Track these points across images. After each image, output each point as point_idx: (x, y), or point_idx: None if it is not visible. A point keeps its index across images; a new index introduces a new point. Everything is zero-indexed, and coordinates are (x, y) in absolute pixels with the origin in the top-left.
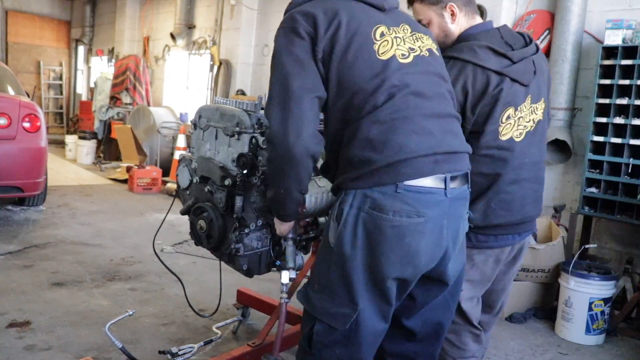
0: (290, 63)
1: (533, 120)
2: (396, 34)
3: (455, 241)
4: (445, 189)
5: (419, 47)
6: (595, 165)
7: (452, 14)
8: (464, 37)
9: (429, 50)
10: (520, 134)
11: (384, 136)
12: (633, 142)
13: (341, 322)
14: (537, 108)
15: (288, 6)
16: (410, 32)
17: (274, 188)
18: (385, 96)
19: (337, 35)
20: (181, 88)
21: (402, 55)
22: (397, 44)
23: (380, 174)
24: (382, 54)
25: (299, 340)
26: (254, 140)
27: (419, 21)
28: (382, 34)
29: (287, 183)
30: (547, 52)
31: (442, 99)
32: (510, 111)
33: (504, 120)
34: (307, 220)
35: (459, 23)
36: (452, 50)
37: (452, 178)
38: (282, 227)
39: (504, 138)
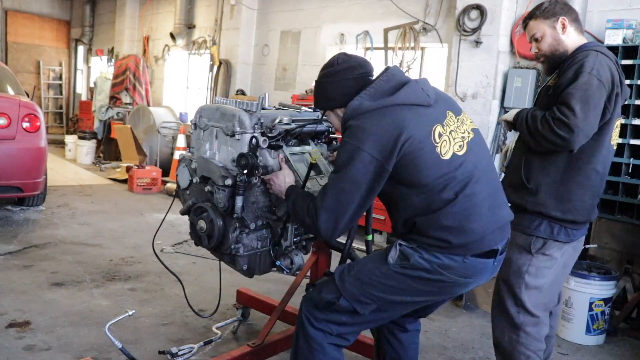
0: (349, 182)
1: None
2: (449, 127)
3: None
4: (495, 259)
5: (466, 130)
6: None
7: (563, 27)
8: None
9: (473, 130)
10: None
11: (458, 223)
12: (633, 142)
13: (363, 309)
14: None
15: (346, 115)
16: (456, 118)
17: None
18: (454, 191)
19: (403, 152)
20: (181, 88)
21: (459, 147)
22: (453, 138)
23: (454, 249)
24: (444, 154)
25: (308, 296)
26: (254, 140)
27: (534, 36)
28: (440, 135)
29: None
30: None
31: (493, 174)
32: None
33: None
34: None
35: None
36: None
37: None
38: (277, 190)
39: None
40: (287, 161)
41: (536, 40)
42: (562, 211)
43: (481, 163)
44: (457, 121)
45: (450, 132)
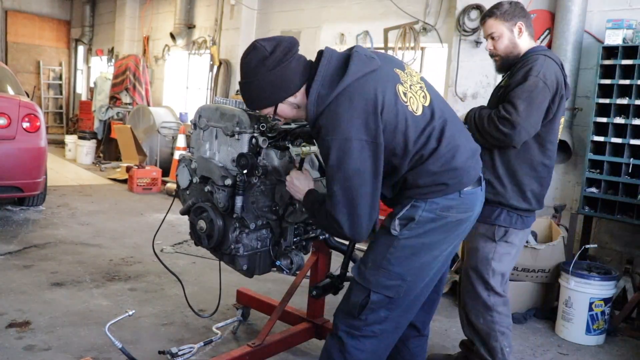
0: (354, 176)
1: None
2: (406, 83)
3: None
4: (481, 186)
5: (417, 81)
6: (595, 165)
7: (520, 31)
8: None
9: (422, 78)
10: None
11: (447, 166)
12: (633, 142)
13: (394, 291)
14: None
15: (313, 111)
16: (404, 73)
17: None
18: (436, 140)
19: (384, 119)
20: (181, 88)
21: (424, 98)
22: (414, 92)
23: (448, 189)
24: (416, 110)
25: (339, 309)
26: (253, 140)
27: (491, 34)
28: (404, 93)
29: (329, 230)
30: None
31: (450, 109)
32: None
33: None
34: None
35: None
36: None
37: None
38: (295, 191)
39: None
40: (302, 163)
41: (492, 38)
42: (517, 200)
43: (442, 103)
44: (407, 75)
45: (410, 87)
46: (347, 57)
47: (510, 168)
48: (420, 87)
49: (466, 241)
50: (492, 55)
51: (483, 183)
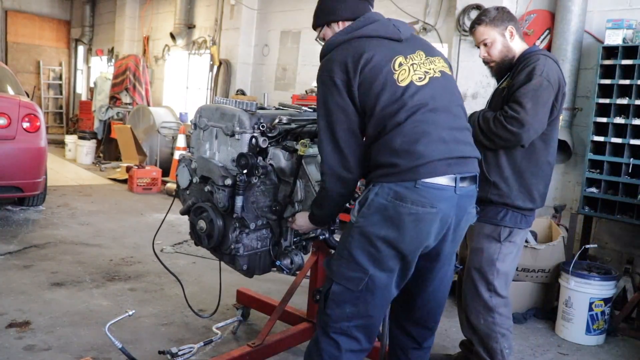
0: (335, 111)
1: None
2: (412, 60)
3: (456, 229)
4: (455, 186)
5: (434, 69)
6: (595, 165)
7: (511, 35)
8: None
9: (442, 71)
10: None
11: (406, 146)
12: (633, 142)
13: (354, 284)
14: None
15: (322, 51)
16: (425, 57)
17: (324, 201)
18: (406, 115)
19: (364, 73)
20: (181, 88)
21: (419, 78)
22: (414, 69)
23: (403, 174)
24: (401, 81)
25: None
26: (253, 140)
27: (484, 41)
28: (400, 64)
29: (336, 200)
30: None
31: (455, 113)
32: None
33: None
34: None
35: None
36: None
37: (462, 179)
38: (305, 226)
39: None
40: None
41: (485, 45)
42: (522, 200)
43: (442, 99)
44: (426, 59)
45: (412, 65)
46: (377, 20)
47: (517, 168)
48: (427, 72)
49: (468, 241)
50: (486, 62)
51: (467, 188)
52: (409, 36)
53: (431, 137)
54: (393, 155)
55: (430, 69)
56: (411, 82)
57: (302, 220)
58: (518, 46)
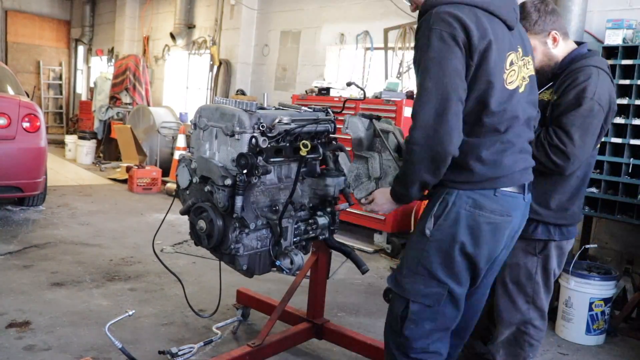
0: (450, 74)
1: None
2: (519, 60)
3: (514, 237)
4: (524, 194)
5: (528, 75)
6: (595, 165)
7: (554, 40)
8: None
9: (531, 77)
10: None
11: (494, 156)
12: (633, 142)
13: (434, 299)
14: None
15: (429, 2)
16: (522, 56)
17: (410, 174)
18: (505, 125)
19: (484, 57)
20: (181, 88)
21: (520, 84)
22: (518, 73)
23: (483, 182)
24: (509, 83)
25: (387, 324)
26: (253, 140)
27: None
28: (512, 63)
29: (424, 178)
30: None
31: (532, 125)
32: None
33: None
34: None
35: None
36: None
37: (528, 186)
38: (387, 205)
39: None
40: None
41: None
42: (555, 218)
43: (528, 110)
44: (523, 59)
45: (519, 66)
46: None
47: (546, 187)
48: (524, 76)
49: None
50: None
51: (529, 195)
52: (517, 23)
53: (515, 149)
54: (478, 162)
55: (526, 75)
56: (517, 87)
57: (383, 199)
58: (562, 49)
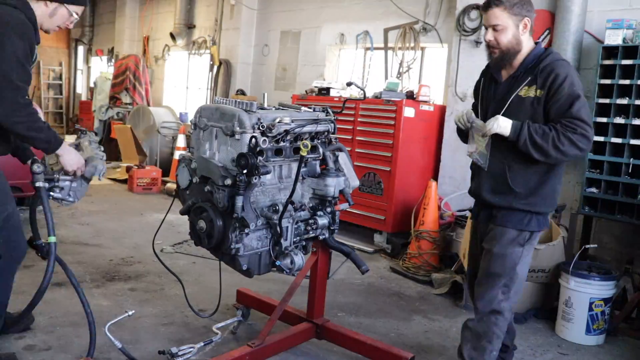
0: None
1: None
2: None
3: None
4: None
5: None
6: (595, 165)
7: (525, 27)
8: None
9: None
10: None
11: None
12: (633, 142)
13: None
14: None
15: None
16: None
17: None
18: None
19: None
20: (181, 88)
21: None
22: None
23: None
24: None
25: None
26: (253, 140)
27: (495, 26)
28: None
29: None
30: None
31: None
32: None
33: None
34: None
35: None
36: None
37: None
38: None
39: None
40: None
41: (495, 29)
42: (545, 206)
43: None
44: None
45: None
46: None
47: (544, 179)
48: None
49: (485, 245)
50: (490, 47)
51: None
52: None
53: None
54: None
55: None
56: None
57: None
58: (527, 42)
